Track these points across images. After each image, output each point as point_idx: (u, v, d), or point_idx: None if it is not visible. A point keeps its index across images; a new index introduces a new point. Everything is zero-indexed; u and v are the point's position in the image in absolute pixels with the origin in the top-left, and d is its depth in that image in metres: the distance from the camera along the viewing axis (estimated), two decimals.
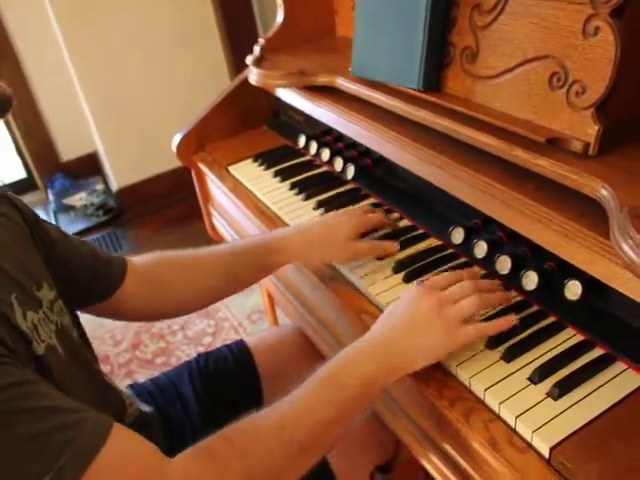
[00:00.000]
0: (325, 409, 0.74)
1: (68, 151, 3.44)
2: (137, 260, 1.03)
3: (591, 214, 0.79)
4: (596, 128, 0.81)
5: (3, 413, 0.57)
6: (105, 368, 2.24)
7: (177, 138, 1.54)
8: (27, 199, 3.45)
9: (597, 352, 0.80)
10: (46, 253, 0.87)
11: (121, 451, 0.64)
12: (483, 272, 0.96)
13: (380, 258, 1.04)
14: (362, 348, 0.80)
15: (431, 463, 0.89)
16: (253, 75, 1.41)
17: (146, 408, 1.05)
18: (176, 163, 1.64)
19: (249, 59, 1.45)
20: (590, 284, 0.81)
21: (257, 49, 1.45)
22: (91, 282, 0.95)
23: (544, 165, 0.83)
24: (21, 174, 3.51)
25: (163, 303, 1.04)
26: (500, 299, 0.85)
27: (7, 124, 3.26)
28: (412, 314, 0.81)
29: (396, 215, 1.15)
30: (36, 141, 3.34)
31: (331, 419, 0.75)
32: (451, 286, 0.84)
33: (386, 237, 1.08)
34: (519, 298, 0.90)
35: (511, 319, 0.81)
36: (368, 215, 1.07)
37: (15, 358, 0.63)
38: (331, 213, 1.10)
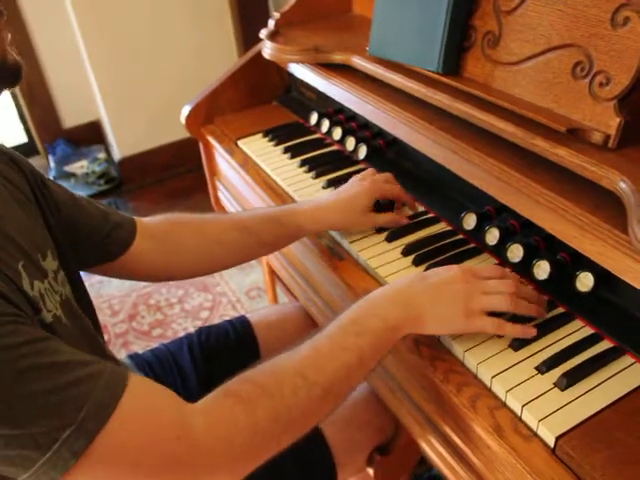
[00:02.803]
0: (347, 355, 0.75)
1: (71, 118, 3.41)
2: (148, 221, 1.02)
3: (607, 207, 0.78)
4: (618, 120, 0.80)
5: (18, 371, 0.57)
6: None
7: (186, 109, 1.52)
8: None
9: (606, 345, 0.79)
10: (51, 217, 0.86)
11: (140, 401, 0.64)
12: (494, 260, 0.96)
13: (390, 240, 1.03)
14: (389, 296, 0.81)
15: (431, 446, 0.90)
16: (267, 49, 1.39)
17: None
18: (180, 135, 1.64)
19: (263, 33, 1.43)
20: (602, 277, 0.81)
21: (272, 23, 1.44)
22: (100, 245, 0.94)
23: (563, 155, 0.83)
24: (22, 139, 3.48)
25: (174, 267, 1.03)
26: (533, 311, 0.83)
27: None
28: (443, 285, 0.81)
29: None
30: (39, 106, 3.31)
31: (352, 365, 0.75)
32: (492, 279, 0.83)
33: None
34: (529, 287, 0.90)
35: (532, 331, 0.81)
36: (386, 186, 1.08)
37: (26, 317, 0.63)
38: (353, 180, 1.10)
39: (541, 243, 0.90)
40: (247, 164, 1.36)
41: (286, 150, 1.35)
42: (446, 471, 0.88)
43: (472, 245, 1.00)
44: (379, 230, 1.06)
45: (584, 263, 0.81)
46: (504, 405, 0.75)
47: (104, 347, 0.93)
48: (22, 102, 3.28)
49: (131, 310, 2.38)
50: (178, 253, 1.02)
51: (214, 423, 0.67)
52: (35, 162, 3.47)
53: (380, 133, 1.24)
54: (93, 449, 0.59)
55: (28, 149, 3.49)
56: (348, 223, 1.06)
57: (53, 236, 0.84)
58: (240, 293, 2.41)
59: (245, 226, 1.04)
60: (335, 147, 1.35)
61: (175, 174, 3.19)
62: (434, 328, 0.81)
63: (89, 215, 0.94)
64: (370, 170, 1.13)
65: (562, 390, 0.74)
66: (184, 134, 1.58)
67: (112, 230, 0.95)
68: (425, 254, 0.98)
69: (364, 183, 1.07)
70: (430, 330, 0.81)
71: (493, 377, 0.77)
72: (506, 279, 0.84)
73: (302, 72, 1.38)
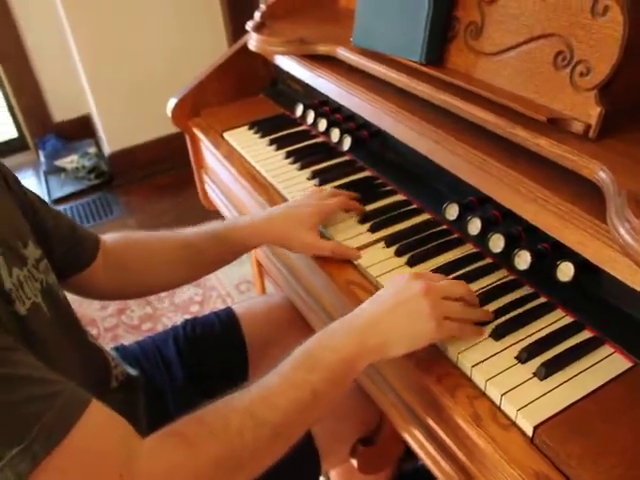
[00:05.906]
0: (299, 392, 0.72)
1: (61, 112, 3.40)
2: (107, 239, 1.01)
3: (587, 197, 0.78)
4: (598, 110, 0.80)
5: None
6: (91, 332, 2.23)
7: (173, 102, 1.51)
8: (18, 159, 3.43)
9: (585, 334, 0.79)
10: (29, 213, 0.85)
11: (92, 432, 0.62)
12: (475, 250, 0.96)
13: (374, 231, 1.03)
14: (344, 327, 0.78)
15: (414, 437, 0.89)
16: (253, 41, 1.39)
17: (132, 371, 1.04)
18: (170, 129, 1.63)
19: (249, 25, 1.42)
20: (582, 266, 0.81)
21: (258, 15, 1.43)
22: (66, 256, 0.93)
23: (543, 145, 0.83)
24: (12, 133, 3.47)
25: (126, 286, 1.04)
26: (482, 315, 0.83)
27: None
28: (400, 296, 0.78)
29: (390, 188, 1.14)
30: (28, 100, 3.29)
31: (305, 402, 0.72)
32: (444, 280, 0.83)
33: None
34: (511, 277, 0.90)
35: (481, 331, 0.81)
36: (329, 201, 1.05)
37: None
38: (293, 200, 1.07)
39: (522, 233, 0.89)
40: (232, 156, 1.35)
41: (272, 142, 1.35)
42: (429, 462, 0.87)
43: (455, 235, 1.00)
44: (362, 220, 1.05)
45: (565, 253, 0.81)
46: (483, 394, 0.75)
47: (89, 337, 0.93)
48: (11, 96, 3.26)
49: (120, 304, 2.37)
50: (127, 274, 1.02)
51: (157, 465, 0.65)
52: (25, 157, 3.47)
53: (365, 124, 1.24)
54: (36, 474, 0.57)
55: (18, 144, 3.48)
56: (292, 235, 1.03)
57: (33, 229, 0.83)
58: (230, 287, 2.41)
59: (190, 244, 1.04)
60: (320, 139, 1.35)
61: (166, 168, 3.18)
62: (402, 349, 0.77)
63: (59, 225, 0.93)
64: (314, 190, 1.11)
65: (541, 379, 0.74)
66: (174, 128, 1.57)
67: (78, 242, 0.95)
68: (408, 244, 0.98)
69: (311, 204, 1.04)
70: (398, 352, 0.77)
71: (473, 366, 0.77)
72: (456, 281, 0.84)
73: (288, 64, 1.37)
